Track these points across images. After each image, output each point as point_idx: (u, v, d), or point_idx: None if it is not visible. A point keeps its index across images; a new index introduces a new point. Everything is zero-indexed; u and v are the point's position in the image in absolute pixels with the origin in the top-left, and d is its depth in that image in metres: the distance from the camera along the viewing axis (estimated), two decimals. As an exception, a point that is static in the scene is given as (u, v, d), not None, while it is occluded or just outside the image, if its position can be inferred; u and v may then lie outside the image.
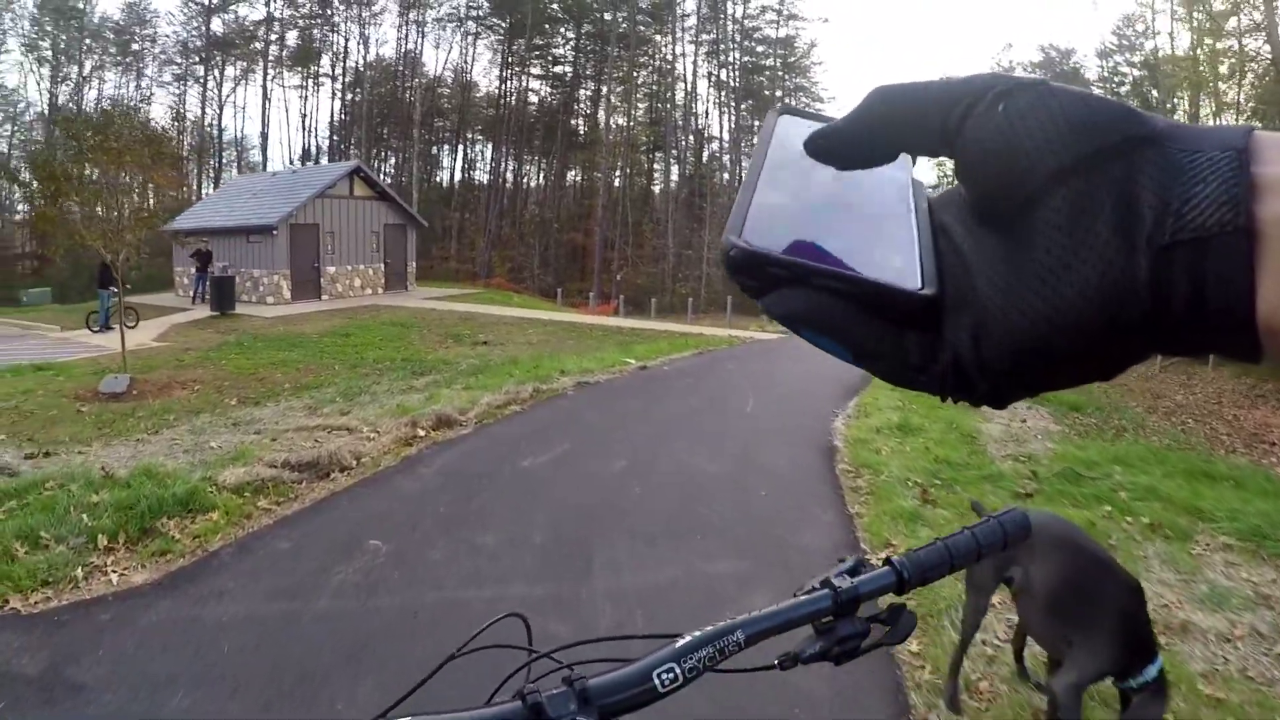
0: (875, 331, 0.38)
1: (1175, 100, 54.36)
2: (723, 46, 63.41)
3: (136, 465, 7.14)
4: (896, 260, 0.39)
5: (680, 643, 0.84)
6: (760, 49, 65.31)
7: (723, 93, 63.85)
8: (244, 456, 7.55)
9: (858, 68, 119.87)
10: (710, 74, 64.44)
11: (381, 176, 57.88)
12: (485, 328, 21.73)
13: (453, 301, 29.04)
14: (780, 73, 64.81)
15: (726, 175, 62.37)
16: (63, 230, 12.02)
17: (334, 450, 7.66)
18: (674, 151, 62.04)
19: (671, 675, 0.82)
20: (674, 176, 62.00)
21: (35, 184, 12.68)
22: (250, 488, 6.74)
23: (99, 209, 12.07)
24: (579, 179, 64.88)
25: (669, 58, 63.35)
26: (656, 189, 63.27)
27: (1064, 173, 0.33)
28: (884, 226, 0.42)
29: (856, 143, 0.40)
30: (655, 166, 64.51)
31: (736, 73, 63.78)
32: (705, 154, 63.59)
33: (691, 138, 63.18)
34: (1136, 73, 59.22)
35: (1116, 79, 60.69)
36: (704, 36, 63.55)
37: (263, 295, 27.25)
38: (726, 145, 63.53)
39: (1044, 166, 0.33)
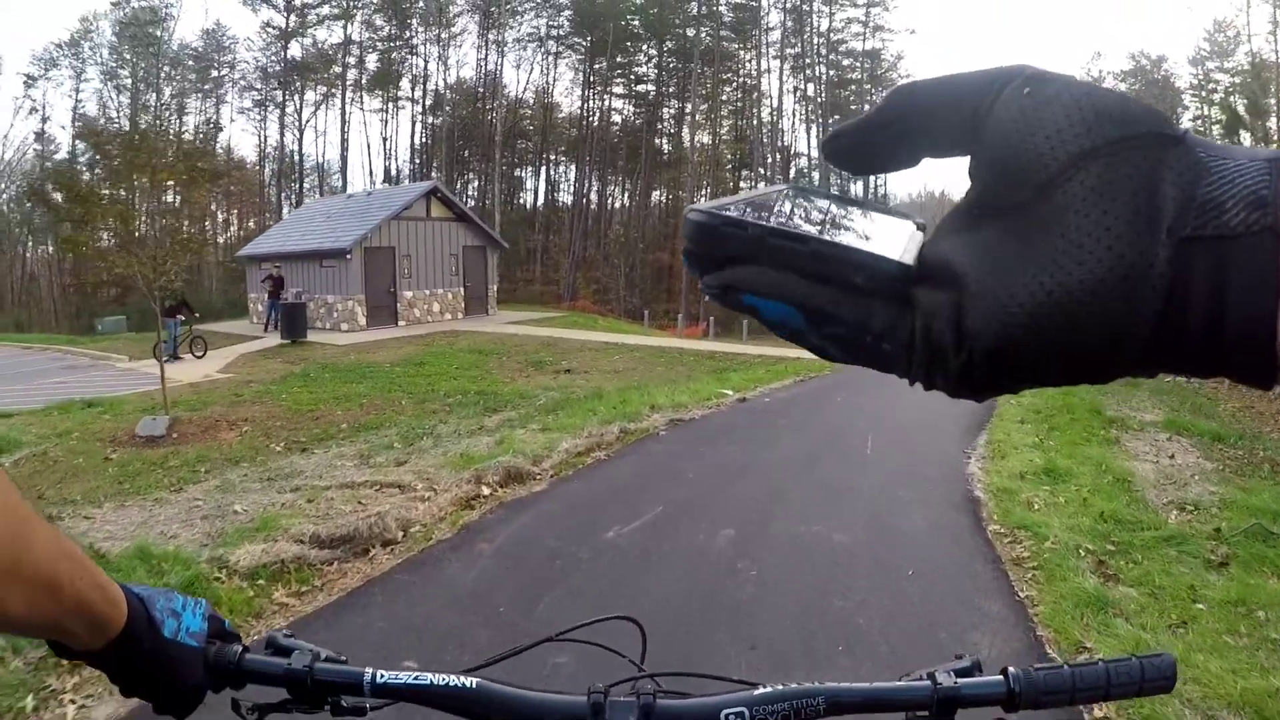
0: (834, 295, 0.36)
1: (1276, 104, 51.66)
2: (808, 61, 61.80)
3: (136, 540, 5.85)
4: (871, 243, 0.37)
5: (758, 691, 0.86)
6: (846, 62, 63.71)
7: (808, 108, 62.29)
8: (268, 527, 6.15)
9: (943, 69, 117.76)
10: (796, 89, 62.97)
11: (465, 199, 57.55)
12: (568, 354, 20.40)
13: (535, 326, 27.84)
14: (866, 85, 63.08)
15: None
16: (97, 256, 10.93)
17: (378, 516, 6.28)
18: (761, 169, 60.51)
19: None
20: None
21: (65, 206, 11.56)
22: (267, 572, 5.39)
23: (134, 232, 10.89)
24: (664, 198, 63.68)
25: (753, 73, 62.05)
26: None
27: (1087, 155, 0.32)
28: (866, 224, 0.40)
29: (877, 137, 0.38)
30: (742, 184, 63.05)
31: (823, 87, 62.11)
32: (792, 170, 62.04)
33: (778, 154, 61.63)
34: (1229, 79, 56.30)
35: (1210, 85, 58.37)
36: (789, 51, 62.02)
37: (337, 322, 26.37)
38: (814, 161, 61.94)
39: (1067, 148, 0.32)
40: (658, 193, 64.14)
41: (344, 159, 63.45)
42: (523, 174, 66.25)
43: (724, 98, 61.88)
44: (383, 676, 0.88)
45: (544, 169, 65.58)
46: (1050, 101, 0.33)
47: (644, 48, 63.43)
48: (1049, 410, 11.75)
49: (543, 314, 34.04)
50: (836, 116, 61.72)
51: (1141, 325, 0.30)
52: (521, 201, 65.63)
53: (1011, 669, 0.90)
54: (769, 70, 62.92)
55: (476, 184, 64.11)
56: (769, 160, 60.61)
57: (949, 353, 0.34)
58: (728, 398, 13.12)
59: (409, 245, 28.15)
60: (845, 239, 0.36)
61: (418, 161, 63.57)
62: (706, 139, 60.95)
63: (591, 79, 62.85)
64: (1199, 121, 58.76)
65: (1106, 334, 0.31)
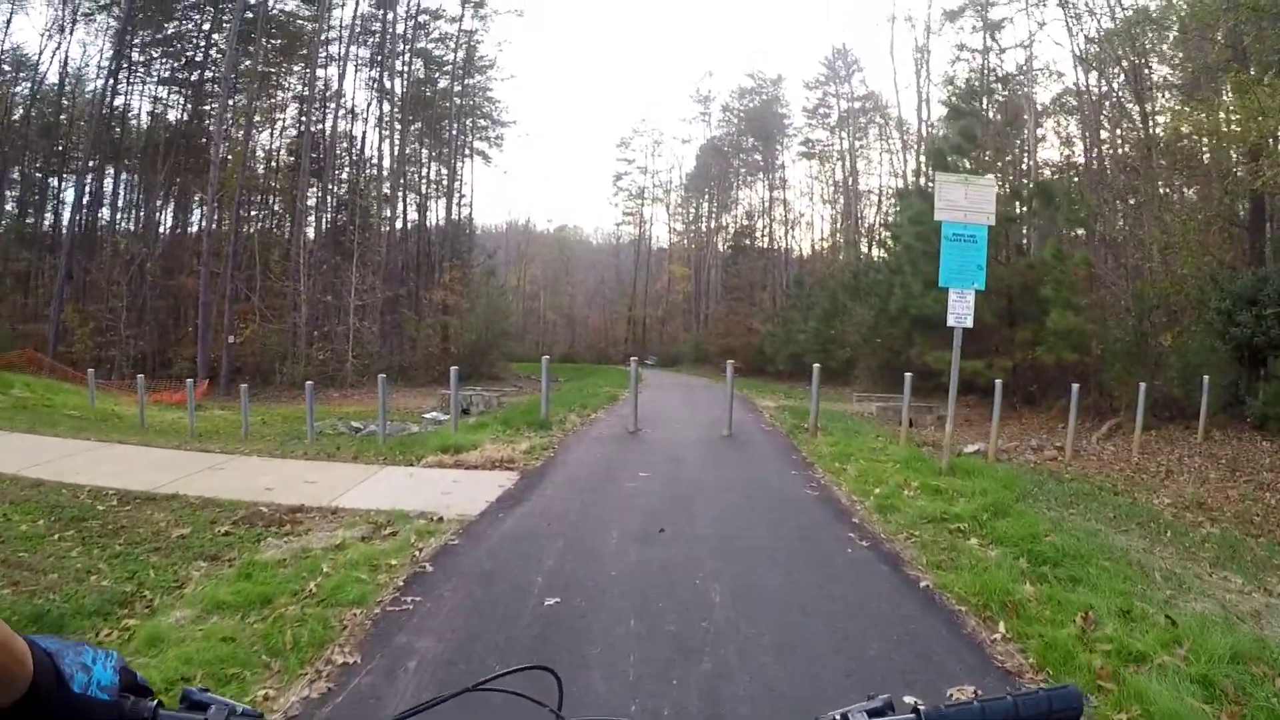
0: None
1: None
2: (388, 47, 52.49)
3: None
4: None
5: None
6: (438, 52, 54.91)
7: (391, 106, 53.12)
8: None
9: (549, 77, 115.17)
10: (372, 79, 53.27)
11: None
12: None
13: None
14: (459, 72, 55.13)
15: (387, 209, 52.65)
16: None
17: None
18: (332, 176, 50.79)
19: None
20: (312, 203, 50.07)
21: None
22: None
23: None
24: (197, 212, 50.31)
25: (321, 58, 51.22)
26: (308, 230, 51.00)
27: None
28: None
29: None
30: (310, 197, 52.23)
31: (406, 79, 53.32)
32: (363, 178, 52.74)
33: (345, 156, 52.06)
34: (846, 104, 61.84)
35: (824, 110, 63.83)
36: (372, 27, 51.81)
37: None
38: (389, 169, 53.34)
39: None
40: (176, 206, 51.40)
41: None
42: (56, 183, 50.42)
43: (287, 89, 51.49)
44: None
45: (70, 176, 49.46)
46: None
47: (197, 20, 50.66)
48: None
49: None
50: (419, 125, 54.02)
51: None
52: (42, 221, 50.21)
53: (923, 706, 0.92)
54: (340, 57, 51.41)
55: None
56: (336, 171, 51.34)
57: None
58: None
59: None
60: None
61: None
62: (264, 141, 50.59)
63: (127, 50, 49.14)
64: (809, 145, 64.98)
65: None
